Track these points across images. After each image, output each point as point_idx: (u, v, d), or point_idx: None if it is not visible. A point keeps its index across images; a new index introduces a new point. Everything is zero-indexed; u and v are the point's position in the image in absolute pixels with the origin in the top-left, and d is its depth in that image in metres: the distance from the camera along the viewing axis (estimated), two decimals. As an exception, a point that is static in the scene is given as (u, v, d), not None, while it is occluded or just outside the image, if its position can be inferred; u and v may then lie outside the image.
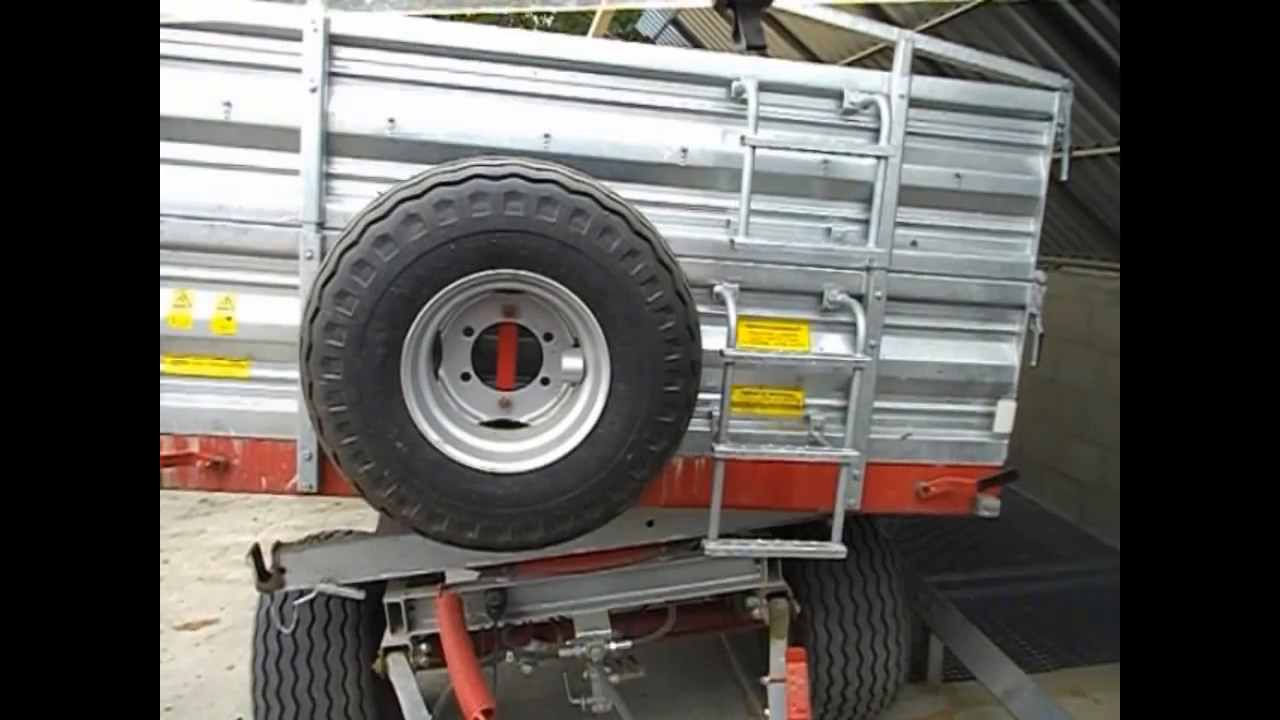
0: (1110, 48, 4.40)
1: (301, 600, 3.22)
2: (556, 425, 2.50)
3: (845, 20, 2.84)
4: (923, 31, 4.22)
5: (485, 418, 2.54)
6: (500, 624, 3.22)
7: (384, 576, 3.23)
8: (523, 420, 2.57)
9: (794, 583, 3.56)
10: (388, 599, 3.24)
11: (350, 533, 3.56)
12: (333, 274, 2.22)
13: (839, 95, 2.81)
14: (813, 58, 6.84)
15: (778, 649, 3.21)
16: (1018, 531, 6.11)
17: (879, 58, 5.47)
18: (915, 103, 2.83)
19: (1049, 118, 2.95)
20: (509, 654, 3.36)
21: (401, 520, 2.42)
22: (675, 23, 11.22)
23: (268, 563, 3.13)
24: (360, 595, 3.19)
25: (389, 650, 3.24)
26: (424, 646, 3.25)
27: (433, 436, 2.36)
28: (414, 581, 3.26)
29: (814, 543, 2.89)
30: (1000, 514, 3.11)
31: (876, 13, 4.91)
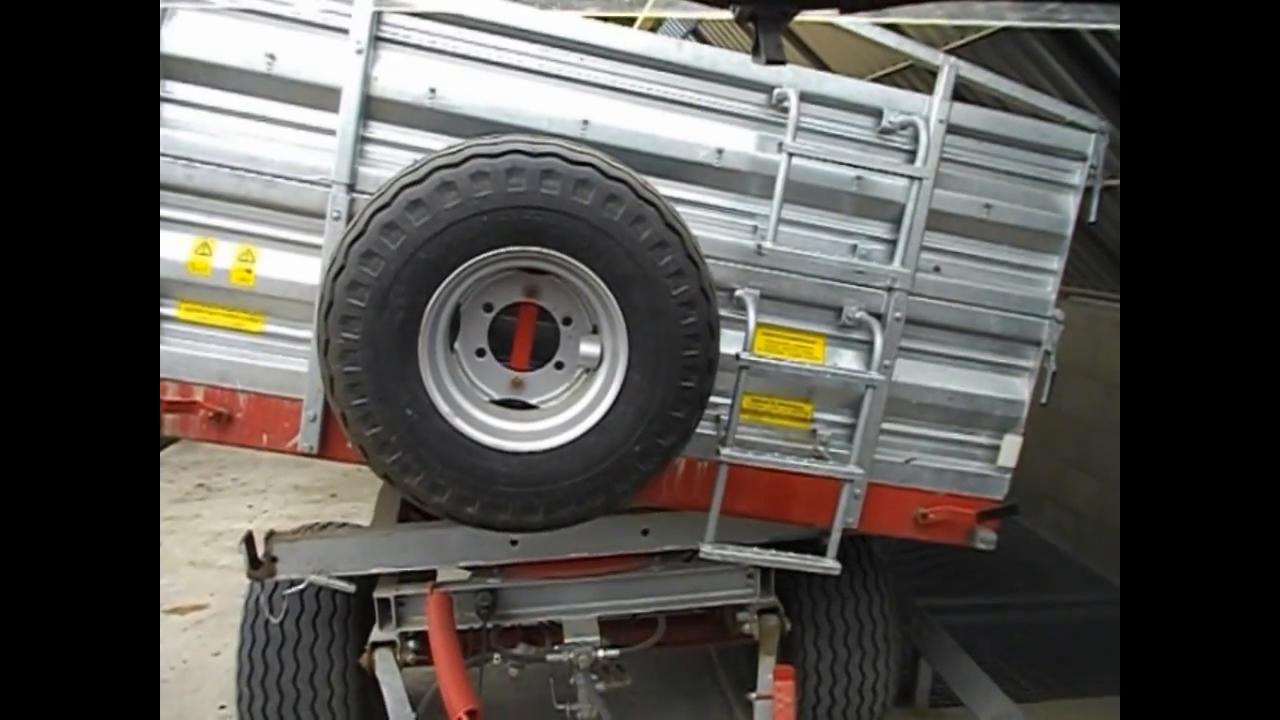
0: None
1: (292, 590, 3.19)
2: (567, 410, 2.49)
3: (892, 40, 2.85)
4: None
5: (496, 396, 2.53)
6: (489, 625, 3.20)
7: (376, 571, 3.21)
8: (533, 402, 2.56)
9: (786, 600, 3.54)
10: (378, 594, 3.21)
11: (345, 525, 3.56)
12: (361, 233, 2.21)
13: (878, 114, 2.82)
14: (824, 69, 6.87)
15: (766, 665, 3.19)
16: (1013, 559, 6.05)
17: (896, 78, 5.52)
18: (953, 129, 2.84)
19: (1083, 158, 2.96)
20: (496, 656, 3.34)
21: (402, 489, 2.40)
22: (695, 32, 11.25)
23: (260, 551, 3.10)
24: (351, 589, 3.16)
25: (376, 645, 3.21)
26: (412, 644, 3.22)
27: (444, 408, 2.35)
28: (405, 578, 3.24)
29: (810, 556, 2.88)
30: (997, 541, 3.10)
31: (895, 33, 4.97)
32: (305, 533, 3.30)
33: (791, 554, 2.89)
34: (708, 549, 2.78)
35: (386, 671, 3.15)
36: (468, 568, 3.35)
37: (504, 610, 3.25)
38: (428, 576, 3.24)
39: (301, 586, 3.15)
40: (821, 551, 2.87)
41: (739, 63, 2.75)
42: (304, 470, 7.46)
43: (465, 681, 2.76)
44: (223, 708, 3.60)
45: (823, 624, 3.60)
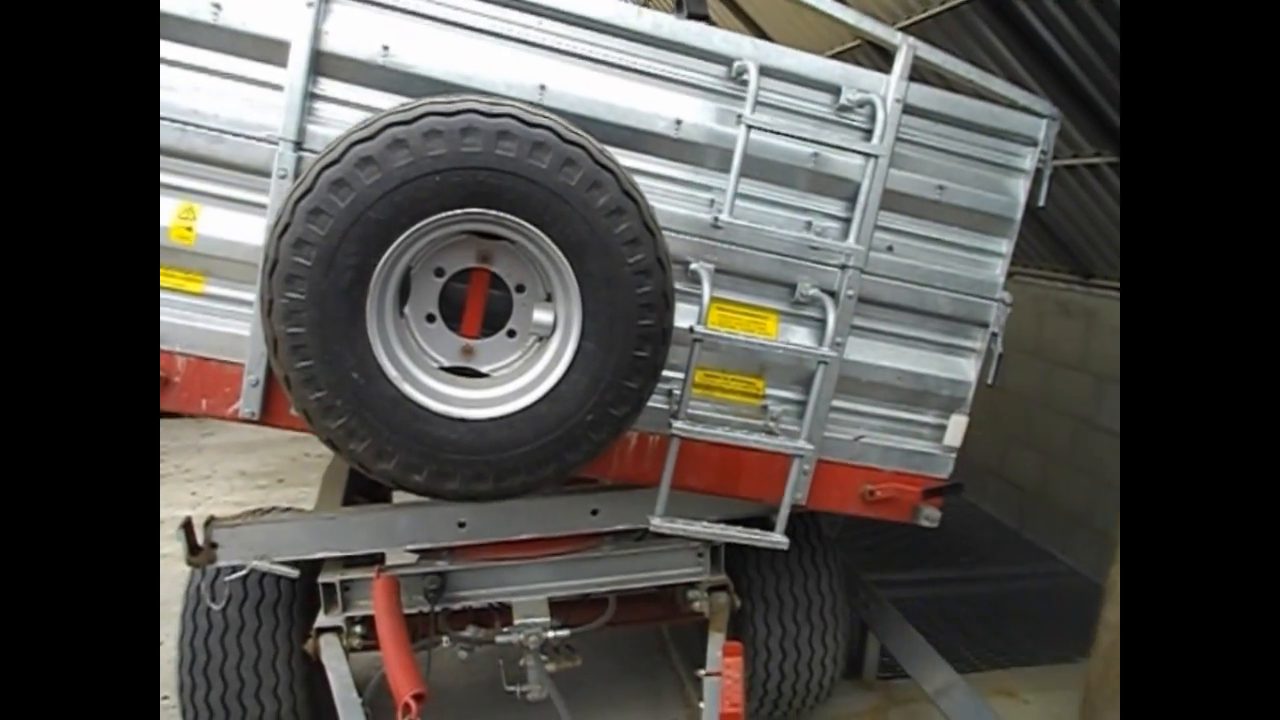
0: (1072, 63, 4.53)
1: (233, 577, 3.11)
2: (519, 378, 2.45)
3: (851, 17, 2.85)
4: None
5: (446, 363, 2.48)
6: (438, 608, 3.16)
7: (320, 556, 3.14)
8: (484, 370, 2.51)
9: (735, 577, 3.56)
10: (323, 579, 3.15)
11: (289, 510, 3.47)
12: (309, 190, 2.14)
13: (836, 91, 2.82)
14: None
15: (716, 642, 3.20)
16: (958, 534, 6.23)
17: (844, 58, 5.53)
18: (909, 109, 2.85)
19: (1034, 143, 3.00)
20: (445, 639, 3.30)
21: (347, 456, 2.34)
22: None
23: (199, 537, 3.02)
24: (294, 574, 3.09)
25: (321, 631, 3.15)
26: (358, 628, 3.17)
27: (391, 372, 2.30)
28: (351, 562, 3.18)
29: (758, 531, 2.89)
30: (942, 516, 3.15)
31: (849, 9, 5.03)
32: (246, 518, 3.22)
33: (740, 528, 2.90)
34: (657, 521, 2.77)
35: (332, 657, 3.09)
36: (415, 551, 3.30)
37: (453, 593, 3.21)
38: (374, 560, 3.18)
39: (243, 573, 3.08)
40: (770, 528, 2.89)
41: (699, 33, 2.73)
42: (250, 455, 7.29)
43: (412, 665, 2.72)
44: (165, 698, 3.50)
45: (772, 600, 3.63)
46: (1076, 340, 5.98)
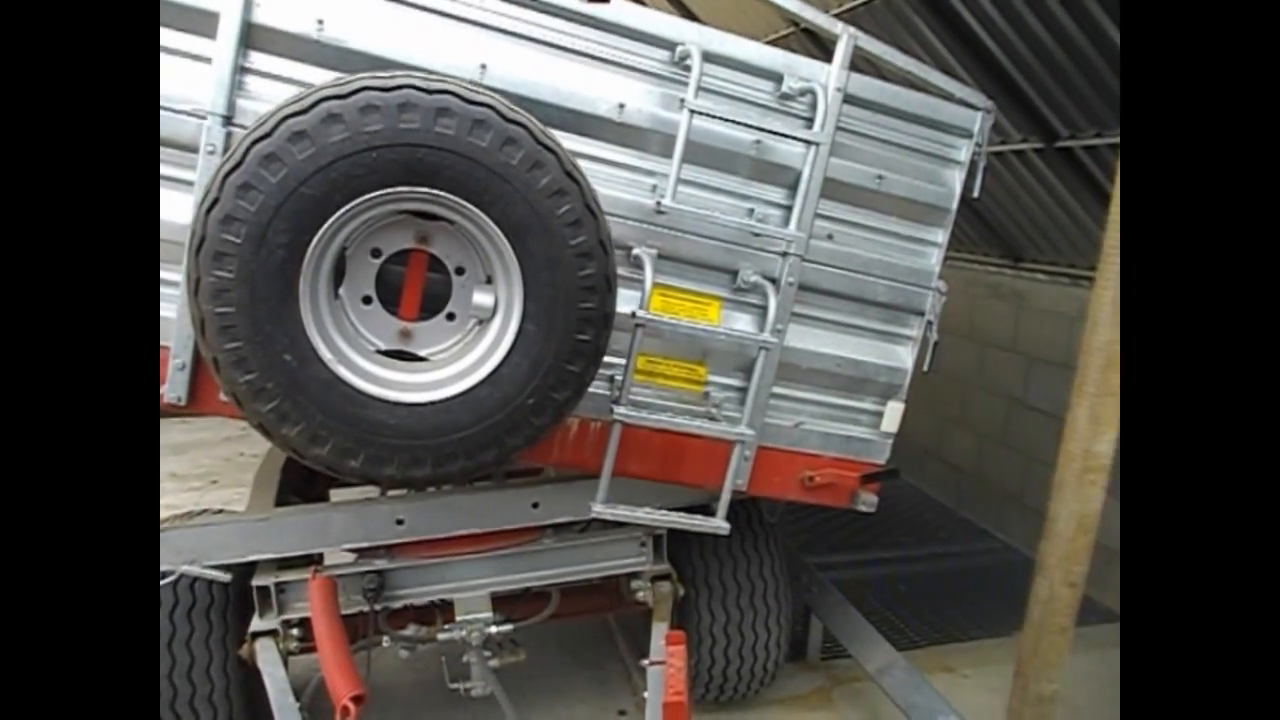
0: (1000, 51, 4.65)
1: (163, 583, 2.98)
2: (458, 361, 2.41)
3: (792, 5, 2.87)
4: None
5: (383, 346, 2.42)
6: (377, 608, 3.10)
7: (253, 558, 3.04)
8: (422, 354, 2.46)
9: (679, 565, 3.56)
10: (256, 581, 3.06)
11: (220, 512, 3.37)
12: (239, 164, 2.07)
13: (778, 79, 2.84)
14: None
15: (659, 631, 3.19)
16: (898, 515, 6.38)
17: (776, 44, 5.56)
18: (849, 99, 2.89)
19: (969, 135, 3.07)
20: (385, 639, 3.24)
21: (279, 441, 2.27)
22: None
23: None
24: (226, 578, 2.99)
25: (256, 635, 3.06)
26: (295, 631, 3.08)
27: (325, 354, 2.23)
28: (286, 563, 3.09)
29: (699, 516, 2.90)
30: (882, 497, 3.20)
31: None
32: (174, 521, 3.10)
33: (681, 513, 2.90)
34: (599, 508, 2.75)
35: (268, 661, 3.00)
36: (353, 550, 3.22)
37: (392, 591, 3.14)
38: (310, 561, 3.10)
39: (173, 578, 2.96)
40: (711, 515, 2.90)
41: (643, 18, 2.72)
42: (181, 457, 7.03)
43: (351, 667, 2.65)
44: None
45: (715, 587, 3.64)
46: (1008, 323, 6.16)
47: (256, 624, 3.07)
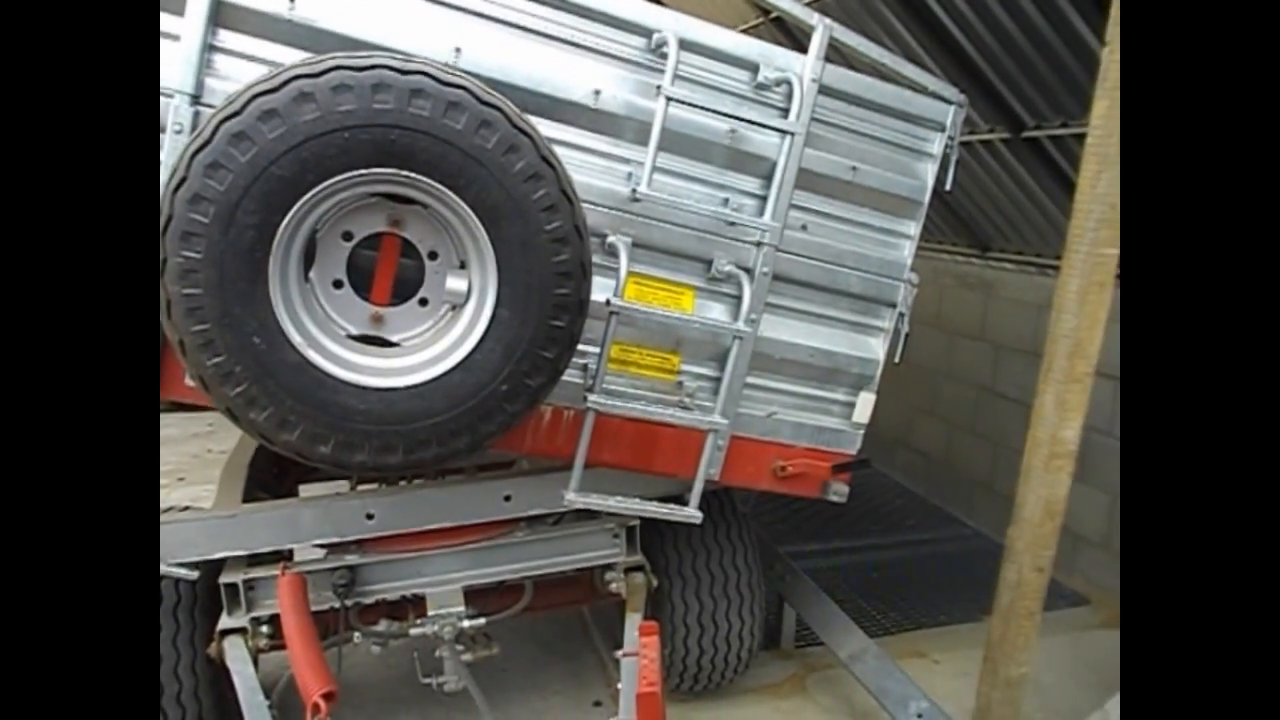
0: (966, 41, 4.70)
1: None
2: (431, 346, 2.38)
3: (769, -7, 2.87)
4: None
5: (354, 331, 2.39)
6: (348, 603, 3.06)
7: (221, 555, 2.99)
8: (394, 339, 2.43)
9: (652, 556, 3.56)
10: (224, 579, 3.00)
11: (187, 509, 3.29)
12: (207, 143, 2.03)
13: (754, 68, 2.84)
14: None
15: (633, 623, 3.19)
16: (869, 503, 6.43)
17: (749, 34, 5.58)
18: (824, 90, 2.90)
19: (942, 128, 3.09)
20: (357, 635, 3.20)
21: (247, 426, 2.23)
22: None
23: None
24: (194, 575, 2.93)
25: (225, 633, 3.01)
26: (264, 628, 3.03)
27: (295, 337, 2.20)
28: (254, 560, 3.03)
29: (673, 505, 2.90)
30: (853, 485, 3.22)
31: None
32: None
33: (655, 502, 2.90)
34: (572, 496, 2.74)
35: (237, 660, 2.94)
36: (323, 545, 3.17)
37: (364, 587, 3.11)
38: (279, 557, 3.05)
39: None
40: (684, 505, 2.90)
41: (620, 4, 2.70)
42: None
43: (321, 663, 2.61)
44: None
45: (689, 577, 3.65)
46: (976, 312, 6.24)
47: (225, 622, 3.01)
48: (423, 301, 2.45)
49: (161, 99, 2.35)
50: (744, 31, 5.77)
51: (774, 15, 5.69)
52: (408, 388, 2.29)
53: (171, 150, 2.33)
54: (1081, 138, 4.52)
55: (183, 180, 2.03)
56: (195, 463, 6.77)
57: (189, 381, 2.37)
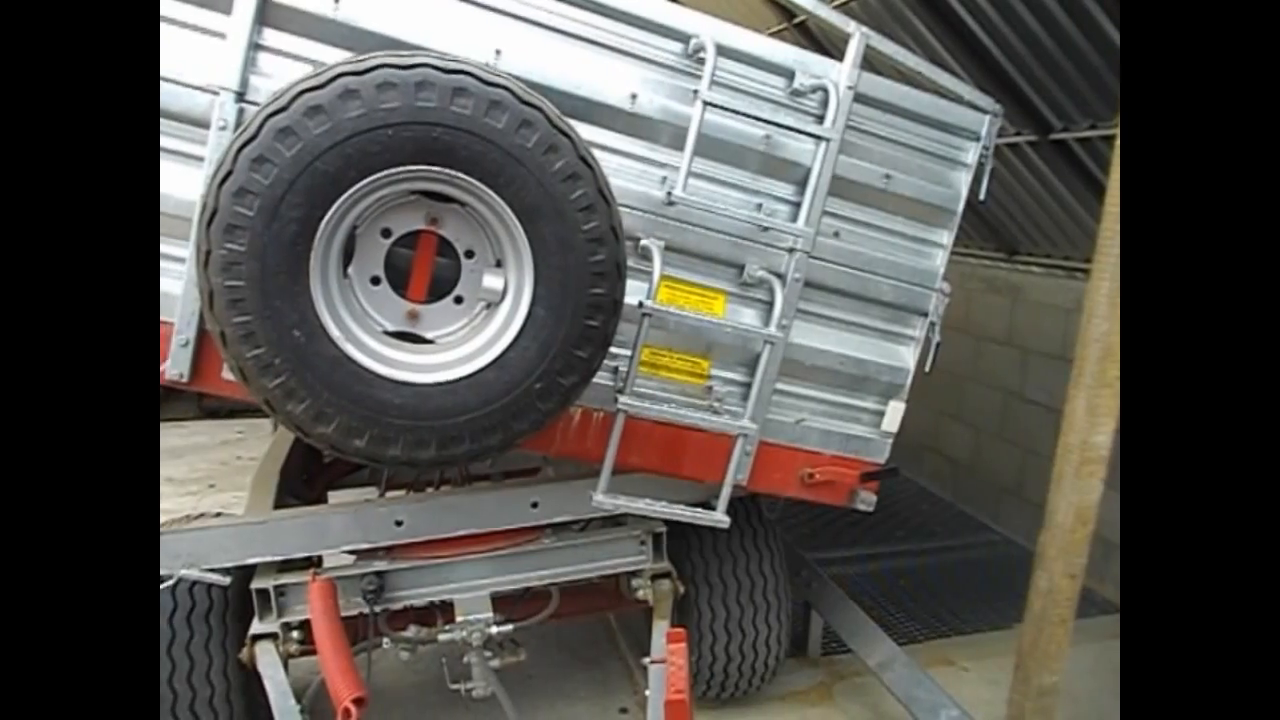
0: (992, 44, 4.68)
1: (162, 587, 2.95)
2: (465, 344, 2.39)
3: (808, 2, 2.88)
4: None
5: (391, 327, 2.41)
6: (377, 609, 3.08)
7: (252, 561, 3.02)
8: (429, 336, 2.45)
9: (678, 563, 3.55)
10: (256, 584, 3.03)
11: (218, 515, 3.34)
12: (254, 137, 2.06)
13: (790, 75, 2.85)
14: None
15: (660, 630, 3.18)
16: (896, 508, 6.38)
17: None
18: (860, 97, 2.90)
19: (977, 138, 3.09)
20: (386, 640, 3.21)
21: (284, 418, 2.25)
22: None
23: None
24: (225, 581, 2.96)
25: (257, 638, 3.03)
26: (295, 634, 3.06)
27: (334, 331, 2.22)
28: (285, 566, 3.07)
29: (700, 509, 2.89)
30: (880, 492, 3.20)
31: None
32: (172, 525, 3.07)
33: (682, 506, 2.90)
34: (600, 498, 2.75)
35: (268, 664, 2.97)
36: (352, 551, 3.20)
37: (392, 593, 3.13)
38: (309, 563, 3.08)
39: (172, 582, 2.92)
40: (711, 510, 2.89)
41: (657, 9, 2.72)
42: (178, 462, 6.96)
43: (352, 669, 2.63)
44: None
45: (716, 584, 3.64)
46: (1003, 316, 6.18)
47: (256, 627, 3.04)
48: (458, 299, 2.46)
49: (207, 96, 2.39)
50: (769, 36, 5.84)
51: (798, 20, 5.71)
52: (442, 384, 2.31)
53: (216, 146, 2.37)
54: (1109, 140, 4.49)
55: (228, 174, 2.06)
56: (225, 470, 6.84)
57: (226, 375, 2.40)
